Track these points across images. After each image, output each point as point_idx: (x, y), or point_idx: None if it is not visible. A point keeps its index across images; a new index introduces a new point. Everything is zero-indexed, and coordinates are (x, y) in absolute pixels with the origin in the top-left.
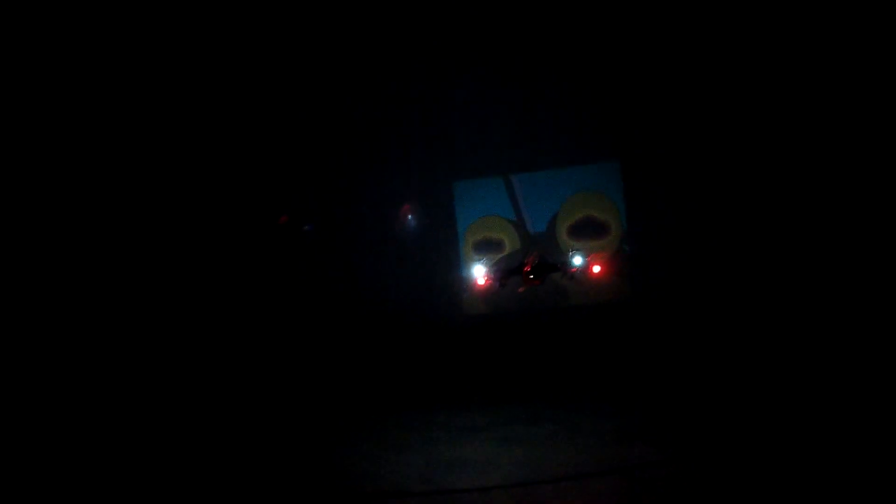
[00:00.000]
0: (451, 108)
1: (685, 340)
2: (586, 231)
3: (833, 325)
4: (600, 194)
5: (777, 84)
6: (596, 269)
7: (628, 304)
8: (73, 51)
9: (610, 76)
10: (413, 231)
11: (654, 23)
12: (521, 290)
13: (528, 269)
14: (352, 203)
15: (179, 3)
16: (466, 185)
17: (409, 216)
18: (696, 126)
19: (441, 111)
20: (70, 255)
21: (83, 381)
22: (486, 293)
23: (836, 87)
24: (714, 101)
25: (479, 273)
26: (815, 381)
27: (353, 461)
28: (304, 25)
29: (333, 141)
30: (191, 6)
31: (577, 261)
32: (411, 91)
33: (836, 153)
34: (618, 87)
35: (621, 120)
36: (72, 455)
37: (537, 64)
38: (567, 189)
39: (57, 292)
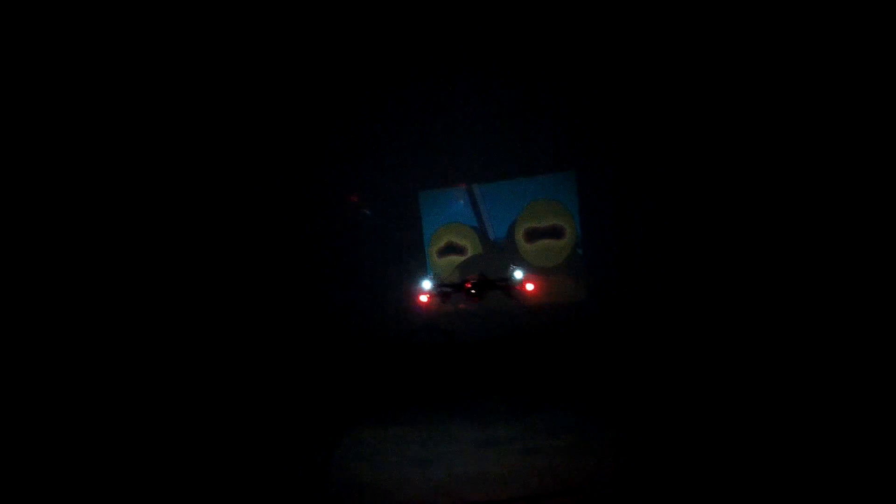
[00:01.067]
0: (418, 122)
1: (641, 339)
2: (543, 236)
3: (785, 322)
4: (556, 202)
5: (723, 100)
6: (529, 286)
7: (584, 304)
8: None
9: (567, 93)
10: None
11: (606, 45)
12: (461, 306)
13: (468, 286)
14: (320, 212)
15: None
16: (431, 195)
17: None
18: (645, 139)
19: (408, 124)
20: (43, 248)
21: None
22: (429, 309)
23: (790, 93)
24: (661, 116)
25: (424, 290)
26: (780, 378)
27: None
28: (270, 34)
29: (301, 152)
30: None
31: (518, 275)
32: (381, 105)
33: (781, 156)
34: (574, 103)
35: (577, 134)
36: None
37: (498, 83)
38: (526, 197)
39: (34, 286)
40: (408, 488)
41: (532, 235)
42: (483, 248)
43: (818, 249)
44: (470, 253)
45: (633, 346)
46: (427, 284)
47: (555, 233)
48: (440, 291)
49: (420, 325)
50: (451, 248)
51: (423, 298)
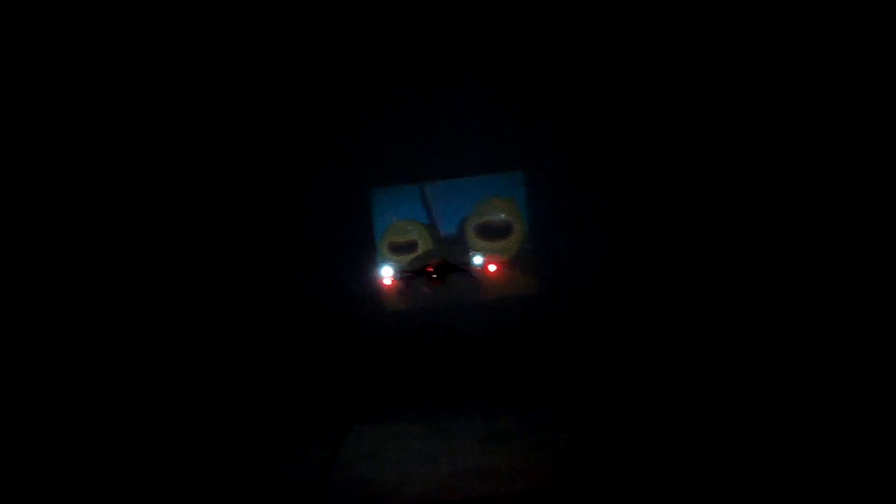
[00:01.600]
0: (369, 119)
1: (592, 330)
2: (492, 232)
3: (741, 313)
4: (506, 199)
5: (670, 100)
6: (492, 267)
7: (536, 297)
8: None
9: (517, 95)
10: None
11: (553, 47)
12: (424, 289)
13: (430, 269)
14: (270, 210)
15: None
16: (383, 192)
17: None
18: (591, 139)
19: (359, 122)
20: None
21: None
22: (393, 292)
23: (743, 86)
24: (609, 118)
25: (387, 274)
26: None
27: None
28: (220, 29)
29: (251, 149)
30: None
31: (477, 260)
32: (332, 104)
33: (721, 147)
34: (524, 104)
35: (526, 134)
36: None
37: (448, 83)
38: (476, 195)
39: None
40: (412, 484)
41: (482, 232)
42: (434, 244)
43: (776, 235)
44: (421, 249)
45: (593, 338)
46: (388, 270)
47: (504, 229)
48: (402, 276)
49: (423, 322)
50: (402, 245)
51: (387, 282)
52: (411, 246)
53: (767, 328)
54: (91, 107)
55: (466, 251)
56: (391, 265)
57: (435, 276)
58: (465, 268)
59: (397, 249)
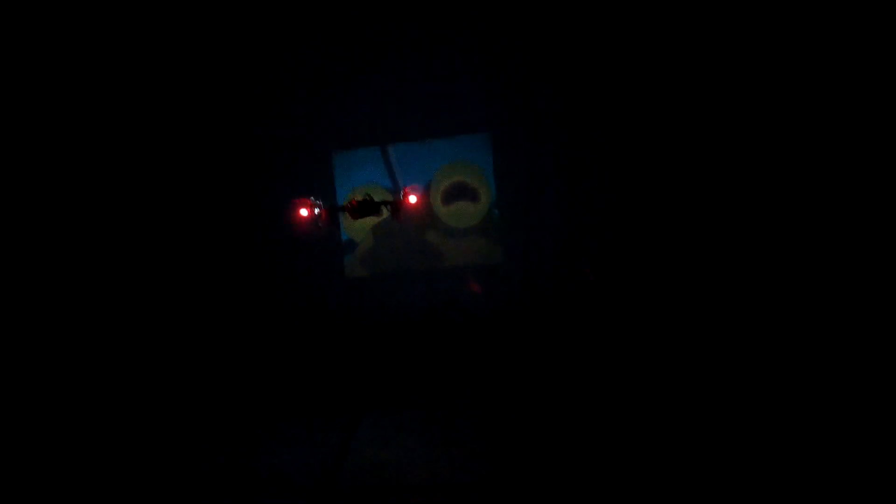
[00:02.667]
0: (331, 81)
1: (562, 305)
2: (458, 197)
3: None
4: (471, 164)
5: (644, 63)
6: (412, 199)
7: (501, 266)
8: None
9: (484, 54)
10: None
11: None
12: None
13: (353, 203)
14: (229, 177)
15: None
16: (345, 156)
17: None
18: (563, 100)
19: (320, 85)
20: None
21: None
22: (308, 225)
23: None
24: (578, 80)
25: (304, 206)
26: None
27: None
28: None
29: (209, 114)
30: None
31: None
32: (291, 65)
33: (695, 111)
34: (490, 65)
35: (492, 96)
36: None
37: (413, 41)
38: (440, 159)
39: None
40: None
41: (447, 197)
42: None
43: (750, 215)
44: (385, 214)
45: (555, 312)
46: (306, 202)
47: (470, 194)
48: (323, 208)
49: (440, 303)
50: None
51: (304, 212)
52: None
53: (732, 301)
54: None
55: (427, 224)
56: (312, 199)
57: (357, 211)
58: (388, 202)
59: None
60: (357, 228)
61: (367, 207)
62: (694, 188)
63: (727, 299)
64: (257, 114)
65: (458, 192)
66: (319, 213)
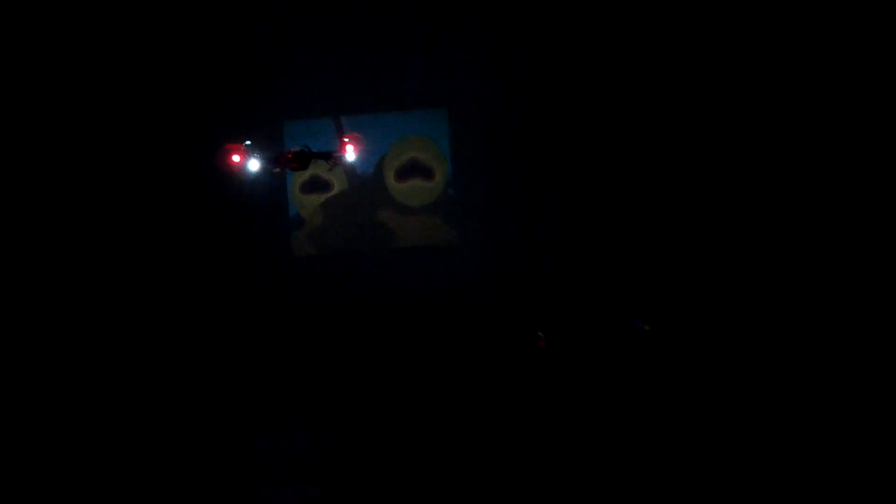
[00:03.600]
0: (282, 48)
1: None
2: (412, 174)
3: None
4: (427, 139)
5: (606, 41)
6: (349, 149)
7: (455, 248)
8: None
9: (440, 27)
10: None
11: None
12: (276, 169)
13: (290, 155)
14: (178, 143)
15: None
16: (296, 125)
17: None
18: (524, 73)
19: (272, 51)
20: None
21: None
22: (239, 171)
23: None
24: (541, 55)
25: (238, 151)
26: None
27: None
28: None
29: (159, 78)
30: None
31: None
32: (242, 30)
33: (664, 84)
34: (446, 37)
35: (450, 69)
36: None
37: (369, 7)
38: (395, 133)
39: None
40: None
41: (401, 173)
42: (350, 184)
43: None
44: (336, 189)
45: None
46: (241, 147)
47: (425, 172)
48: (257, 157)
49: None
50: (315, 184)
51: (236, 158)
52: (325, 185)
53: (703, 290)
54: None
55: (381, 200)
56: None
57: (294, 162)
58: (327, 154)
59: (310, 188)
60: (306, 204)
61: (303, 158)
62: (658, 167)
63: (689, 275)
64: (204, 79)
65: (412, 169)
66: (261, 160)
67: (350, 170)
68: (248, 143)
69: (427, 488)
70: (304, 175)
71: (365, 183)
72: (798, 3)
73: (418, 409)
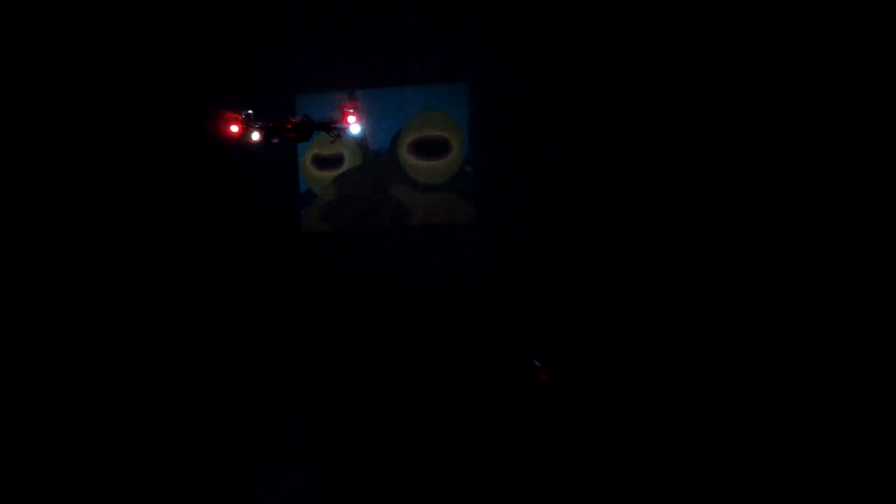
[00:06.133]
0: (297, 20)
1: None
2: (428, 149)
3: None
4: (444, 114)
5: (629, 25)
6: (350, 119)
7: (474, 227)
8: None
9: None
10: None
11: None
12: (274, 140)
13: (288, 126)
14: (190, 116)
15: None
16: (309, 99)
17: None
18: (546, 54)
19: (285, 22)
20: None
21: None
22: (238, 141)
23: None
24: (565, 32)
25: (236, 122)
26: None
27: None
28: None
29: (172, 50)
30: None
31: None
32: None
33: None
34: (468, 10)
35: (471, 42)
36: None
37: None
38: (411, 108)
39: None
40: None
41: (417, 149)
42: (363, 160)
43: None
44: (348, 165)
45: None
46: (238, 118)
47: (442, 148)
48: (256, 125)
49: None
50: (327, 159)
51: (234, 129)
52: (337, 160)
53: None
54: None
55: (395, 176)
56: (245, 115)
57: (294, 132)
58: (329, 124)
59: (322, 163)
60: (317, 179)
61: (303, 129)
62: (675, 157)
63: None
64: (217, 48)
65: (429, 145)
66: (259, 130)
67: (362, 144)
68: (249, 112)
69: (430, 475)
70: (318, 149)
71: (379, 158)
72: (799, 3)
73: (423, 396)
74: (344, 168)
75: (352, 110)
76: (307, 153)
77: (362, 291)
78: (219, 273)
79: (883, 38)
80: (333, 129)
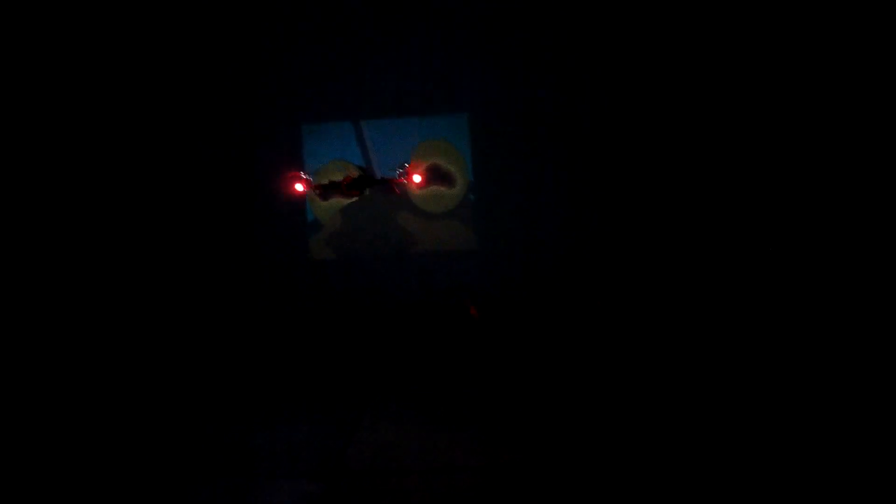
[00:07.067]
0: (302, 50)
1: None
2: (434, 180)
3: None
4: (448, 144)
5: (627, 46)
6: (416, 178)
7: (474, 253)
8: None
9: (464, 31)
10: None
11: None
12: (337, 197)
13: (347, 181)
14: (195, 146)
15: None
16: (315, 129)
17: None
18: (544, 79)
19: (291, 52)
20: None
21: None
22: (301, 198)
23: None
24: (560, 61)
25: (299, 179)
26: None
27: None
28: None
29: (175, 79)
30: None
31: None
32: (262, 31)
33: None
34: (469, 42)
35: (471, 74)
36: None
37: (392, 12)
38: (416, 138)
39: None
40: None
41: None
42: (369, 190)
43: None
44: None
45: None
46: (301, 175)
47: (447, 178)
48: (317, 185)
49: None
50: (335, 188)
51: (299, 187)
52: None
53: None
54: None
55: (399, 205)
56: (304, 173)
57: (352, 188)
58: (386, 179)
59: (329, 193)
60: (324, 208)
61: (362, 183)
62: (680, 175)
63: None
64: (223, 81)
65: (434, 175)
66: (317, 189)
67: (370, 174)
68: (308, 176)
69: (426, 485)
70: (325, 180)
71: (385, 188)
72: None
73: (420, 409)
74: (352, 198)
75: (416, 171)
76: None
77: (363, 311)
78: (227, 295)
79: (883, 38)
80: (388, 184)
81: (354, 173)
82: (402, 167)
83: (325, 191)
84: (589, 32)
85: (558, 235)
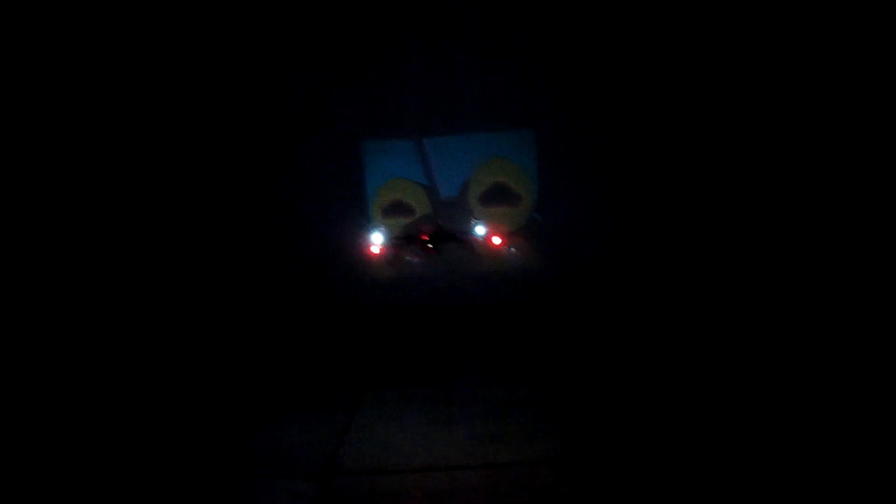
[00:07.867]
0: (364, 67)
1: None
2: (497, 198)
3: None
4: (512, 162)
5: (690, 63)
6: (496, 240)
7: (541, 273)
8: None
9: (528, 45)
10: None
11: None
12: (416, 258)
13: (425, 237)
14: (253, 162)
15: None
16: (376, 146)
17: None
18: (612, 99)
19: (353, 69)
20: None
21: None
22: (382, 261)
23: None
24: (629, 76)
25: (377, 241)
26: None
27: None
28: None
29: (233, 95)
30: None
31: (479, 231)
32: (323, 47)
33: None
34: (534, 56)
35: (537, 89)
36: None
37: (454, 27)
38: (479, 155)
39: None
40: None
41: (487, 197)
42: (433, 208)
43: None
44: (418, 213)
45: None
46: (378, 237)
47: (512, 197)
48: (393, 243)
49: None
50: (397, 207)
51: (375, 250)
52: (406, 209)
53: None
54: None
55: (468, 218)
56: (381, 232)
57: (430, 244)
58: (464, 237)
59: (390, 212)
60: (389, 226)
61: (441, 238)
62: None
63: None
64: (282, 97)
65: (499, 194)
66: (393, 247)
67: (431, 192)
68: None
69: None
70: (386, 198)
71: (448, 206)
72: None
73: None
74: (414, 216)
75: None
76: (376, 202)
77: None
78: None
79: (883, 38)
80: (467, 239)
81: (429, 228)
82: (477, 222)
83: (401, 247)
84: (655, 49)
85: (631, 255)
